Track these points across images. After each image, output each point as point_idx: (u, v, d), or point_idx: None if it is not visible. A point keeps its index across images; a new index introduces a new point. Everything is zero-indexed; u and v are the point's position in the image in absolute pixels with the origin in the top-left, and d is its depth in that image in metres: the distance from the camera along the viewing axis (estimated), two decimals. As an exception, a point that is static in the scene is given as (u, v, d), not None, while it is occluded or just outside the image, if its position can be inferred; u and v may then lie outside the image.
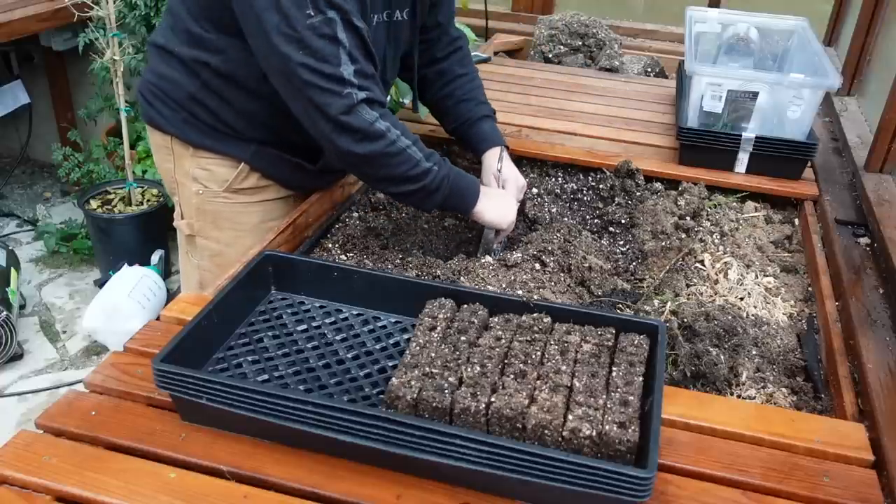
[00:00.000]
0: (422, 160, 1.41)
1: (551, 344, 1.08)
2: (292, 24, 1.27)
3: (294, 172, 1.63)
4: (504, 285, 1.37)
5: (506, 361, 1.05)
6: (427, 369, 1.02)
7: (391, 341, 1.20)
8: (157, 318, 1.28)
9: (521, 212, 1.72)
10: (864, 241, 1.63)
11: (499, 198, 1.55)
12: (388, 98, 2.32)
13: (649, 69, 2.75)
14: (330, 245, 1.57)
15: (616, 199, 1.76)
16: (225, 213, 1.64)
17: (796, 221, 1.79)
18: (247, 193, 1.62)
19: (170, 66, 1.53)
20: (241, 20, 1.35)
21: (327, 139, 1.37)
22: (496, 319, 1.15)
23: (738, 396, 1.23)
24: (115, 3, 2.82)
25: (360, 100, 1.33)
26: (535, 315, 1.14)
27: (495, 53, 2.87)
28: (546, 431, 0.94)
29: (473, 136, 1.71)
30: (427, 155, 1.42)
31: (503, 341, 1.09)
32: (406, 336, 1.20)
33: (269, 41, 1.30)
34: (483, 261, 1.48)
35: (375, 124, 1.35)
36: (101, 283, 3.04)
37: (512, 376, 1.02)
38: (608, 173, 1.84)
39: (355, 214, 1.68)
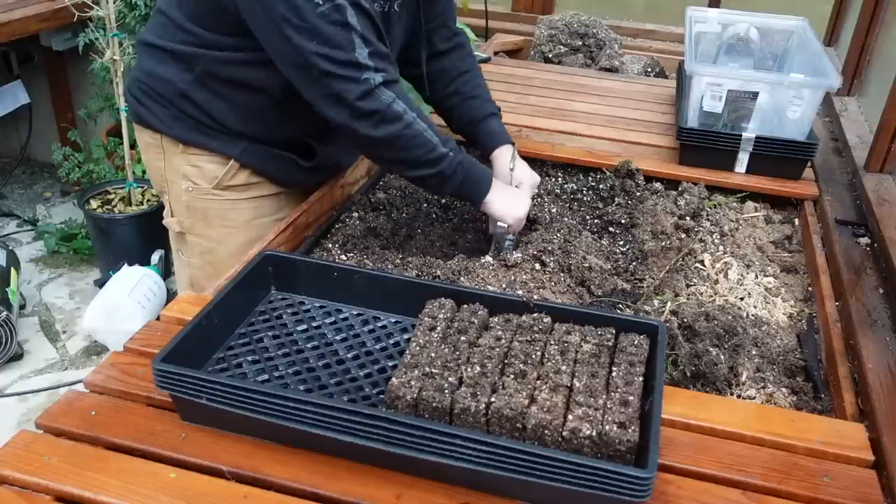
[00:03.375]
0: (438, 144, 1.42)
1: (551, 344, 1.08)
2: (302, 15, 1.28)
3: (284, 169, 1.62)
4: (504, 285, 1.37)
5: (506, 361, 1.05)
6: (427, 369, 1.02)
7: (391, 341, 1.20)
8: (157, 318, 1.28)
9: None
10: (864, 241, 1.63)
11: (511, 193, 1.55)
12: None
13: (649, 69, 2.75)
14: (330, 245, 1.57)
15: (616, 199, 1.76)
16: (215, 211, 1.63)
17: (796, 221, 1.79)
18: (237, 190, 1.62)
19: (161, 63, 1.52)
20: (248, 16, 1.35)
21: (346, 125, 1.37)
22: (496, 319, 1.15)
23: (738, 396, 1.23)
24: (115, 3, 2.82)
25: (378, 83, 1.34)
26: (535, 315, 1.14)
27: (495, 53, 2.87)
28: (546, 431, 0.94)
29: (481, 134, 1.71)
30: (443, 140, 1.43)
31: (503, 341, 1.09)
32: (406, 336, 1.20)
33: (282, 34, 1.30)
34: (483, 261, 1.48)
35: (393, 106, 1.36)
36: (101, 283, 3.04)
37: (512, 376, 1.02)
38: (608, 173, 1.84)
39: (355, 214, 1.68)
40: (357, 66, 1.32)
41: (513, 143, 1.69)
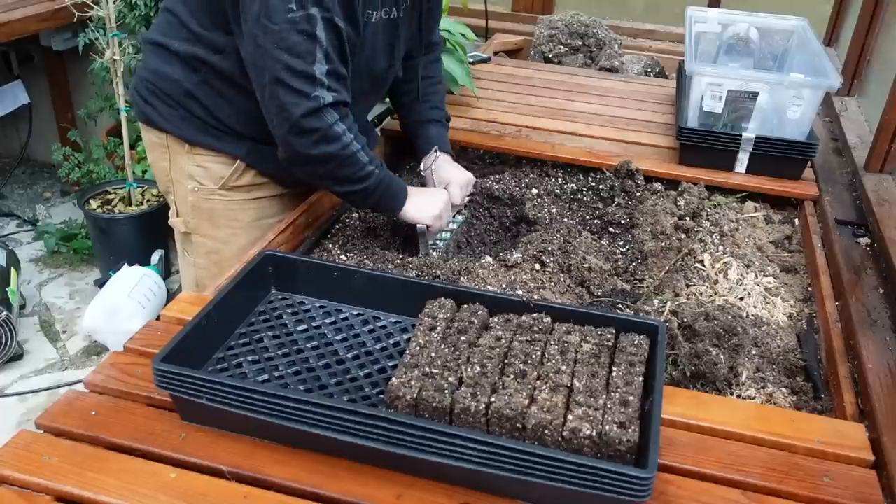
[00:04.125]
0: (367, 163, 1.43)
1: (551, 344, 1.08)
2: (271, 16, 1.28)
3: (289, 170, 1.63)
4: (504, 285, 1.37)
5: (506, 361, 1.05)
6: (427, 369, 1.02)
7: (391, 341, 1.20)
8: (157, 318, 1.28)
9: (522, 213, 1.72)
10: (864, 241, 1.63)
11: (424, 194, 1.57)
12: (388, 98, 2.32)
13: (649, 69, 2.75)
14: (330, 245, 1.57)
15: (616, 199, 1.76)
16: (220, 211, 1.64)
17: (796, 221, 1.79)
18: (242, 191, 1.62)
19: (167, 62, 1.53)
20: (231, 11, 1.36)
21: (282, 138, 1.38)
22: (496, 319, 1.15)
23: (738, 396, 1.23)
24: (115, 3, 2.82)
25: (327, 103, 1.34)
26: (535, 315, 1.14)
27: (495, 53, 2.87)
28: (546, 431, 0.94)
29: (419, 136, 1.75)
30: (371, 158, 1.45)
31: (503, 341, 1.09)
32: (406, 336, 1.20)
33: (250, 32, 1.32)
34: (483, 261, 1.48)
35: (334, 126, 1.37)
36: (101, 283, 3.04)
37: (512, 376, 1.02)
38: (608, 173, 1.84)
39: (355, 214, 1.68)
40: (311, 79, 1.32)
41: (449, 152, 1.72)
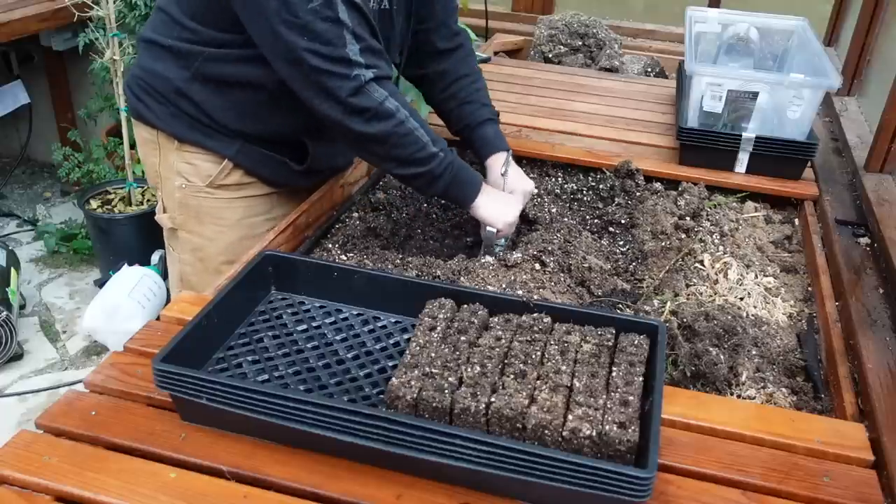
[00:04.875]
0: (429, 143, 1.42)
1: (551, 344, 1.08)
2: (293, 11, 1.28)
3: (278, 170, 1.63)
4: (504, 285, 1.37)
5: (506, 361, 1.05)
6: (427, 369, 1.02)
7: (391, 341, 1.20)
8: (157, 318, 1.28)
9: (522, 213, 1.72)
10: (864, 241, 1.63)
11: (501, 198, 1.56)
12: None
13: (649, 69, 2.75)
14: (330, 245, 1.57)
15: (616, 199, 1.76)
16: (207, 208, 1.64)
17: (796, 221, 1.79)
18: (230, 189, 1.62)
19: (159, 59, 1.53)
20: (241, 11, 1.35)
21: (338, 122, 1.38)
22: (496, 319, 1.15)
23: (738, 396, 1.23)
24: (115, 3, 2.82)
25: (369, 79, 1.34)
26: (535, 315, 1.14)
27: (495, 53, 2.87)
28: (546, 431, 0.94)
29: (476, 140, 1.70)
30: (434, 139, 1.43)
31: (503, 341, 1.09)
32: (406, 336, 1.20)
33: (273, 30, 1.31)
34: (483, 261, 1.48)
35: (385, 103, 1.36)
36: (101, 283, 3.03)
37: (512, 376, 1.02)
38: (608, 173, 1.84)
39: (355, 214, 1.68)
40: (347, 62, 1.33)
41: (508, 150, 1.69)
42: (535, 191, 1.80)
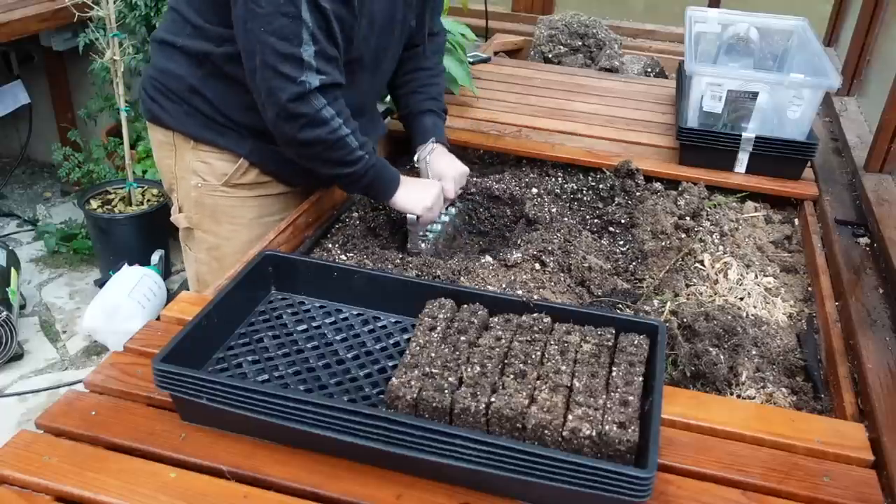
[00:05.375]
0: (357, 148, 1.45)
1: (551, 344, 1.08)
2: (258, 1, 1.30)
3: (292, 168, 1.63)
4: (504, 285, 1.37)
5: (506, 361, 1.05)
6: (427, 369, 1.02)
7: (391, 341, 1.20)
8: (157, 318, 1.28)
9: (522, 213, 1.72)
10: (863, 241, 1.63)
11: (417, 185, 1.58)
12: (389, 98, 2.32)
13: (649, 69, 2.75)
14: (330, 245, 1.57)
15: (616, 199, 1.76)
16: (223, 207, 1.64)
17: (796, 221, 1.79)
18: (245, 188, 1.63)
19: (172, 59, 1.54)
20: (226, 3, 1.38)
21: (272, 121, 1.41)
22: (496, 319, 1.15)
23: (738, 396, 1.23)
24: (115, 3, 2.82)
25: (314, 87, 1.36)
26: (535, 315, 1.14)
27: (495, 53, 2.87)
28: (546, 431, 0.94)
29: (413, 128, 1.75)
30: (362, 143, 1.47)
31: (503, 341, 1.09)
32: (406, 336, 1.20)
33: (240, 16, 1.34)
34: (483, 261, 1.48)
35: (322, 111, 1.39)
36: (101, 283, 3.03)
37: (512, 376, 1.02)
38: (608, 173, 1.84)
39: (355, 214, 1.68)
40: (299, 62, 1.34)
41: (441, 141, 1.71)
42: (535, 190, 1.80)
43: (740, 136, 1.82)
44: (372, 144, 1.51)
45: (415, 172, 1.71)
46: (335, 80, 1.40)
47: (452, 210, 1.69)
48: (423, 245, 1.56)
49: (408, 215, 1.55)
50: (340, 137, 1.42)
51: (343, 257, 1.52)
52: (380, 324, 1.24)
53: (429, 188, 1.58)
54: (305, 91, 1.35)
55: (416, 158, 1.69)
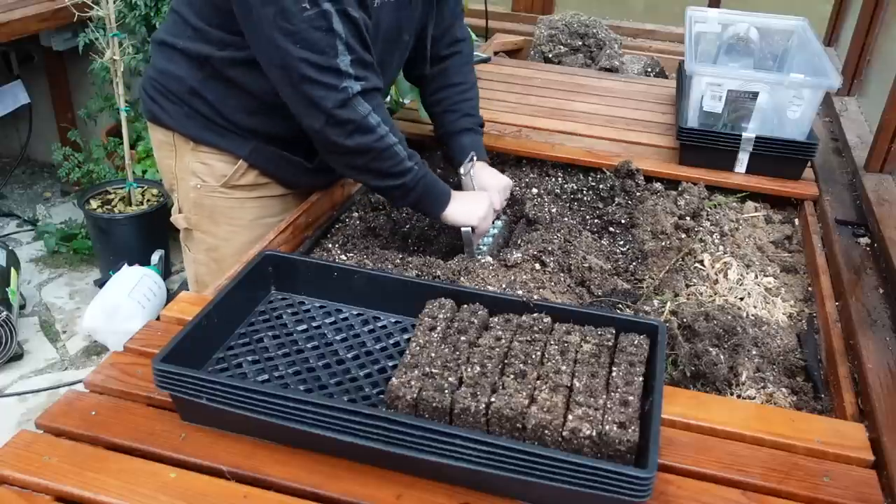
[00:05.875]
0: (405, 159, 1.45)
1: (551, 344, 1.08)
2: (288, 18, 1.29)
3: (292, 170, 1.63)
4: (504, 285, 1.37)
5: (506, 361, 1.05)
6: (427, 369, 1.02)
7: (391, 341, 1.20)
8: (157, 318, 1.28)
9: (522, 213, 1.72)
10: (864, 241, 1.63)
11: (467, 198, 1.58)
12: (389, 97, 2.32)
13: (649, 69, 2.75)
14: (330, 245, 1.57)
15: (616, 199, 1.76)
16: (221, 209, 1.64)
17: (796, 221, 1.79)
18: (244, 189, 1.63)
19: (172, 61, 1.54)
20: (240, 16, 1.37)
21: (319, 132, 1.40)
22: (496, 319, 1.15)
23: (738, 396, 1.23)
24: (115, 3, 2.82)
25: (356, 92, 1.36)
26: (535, 315, 1.14)
27: (495, 53, 2.87)
28: (546, 431, 0.94)
29: (452, 147, 1.75)
30: (410, 154, 1.46)
31: (503, 341, 1.09)
32: (406, 336, 1.20)
33: (266, 35, 1.33)
34: (483, 261, 1.48)
35: (368, 118, 1.38)
36: (101, 283, 3.04)
37: (512, 376, 1.02)
38: (608, 173, 1.84)
39: (355, 214, 1.68)
40: (337, 72, 1.34)
41: (485, 160, 1.72)
42: (535, 190, 1.80)
43: (740, 136, 1.82)
44: (419, 157, 1.49)
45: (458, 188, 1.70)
46: (375, 85, 1.40)
47: (499, 223, 1.68)
48: (480, 259, 1.52)
49: (463, 229, 1.53)
50: (389, 146, 1.41)
51: (343, 257, 1.52)
52: (380, 324, 1.23)
53: (480, 199, 1.57)
54: (349, 96, 1.35)
55: (461, 172, 1.67)
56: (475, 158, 1.68)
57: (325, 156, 1.49)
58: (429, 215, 1.57)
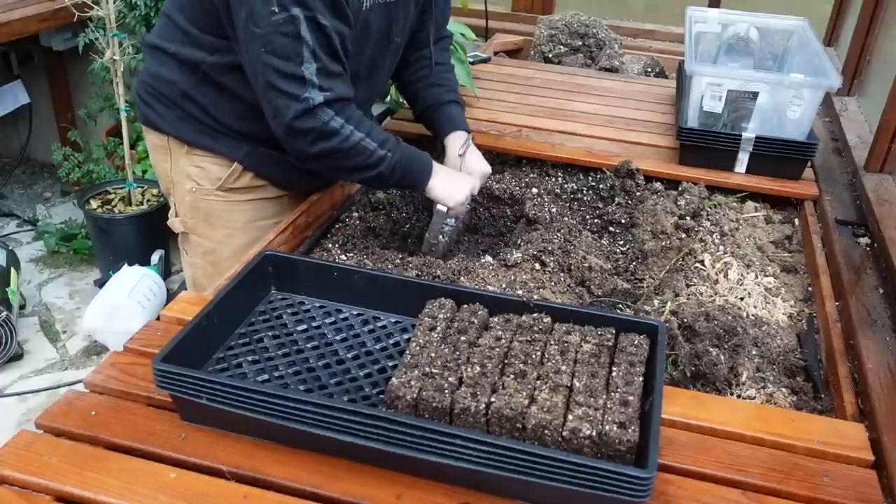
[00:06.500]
0: (376, 149, 1.43)
1: (551, 344, 1.08)
2: (256, 21, 1.30)
3: (287, 173, 1.63)
4: (504, 285, 1.37)
5: (506, 361, 1.05)
6: (427, 369, 1.02)
7: (391, 341, 1.20)
8: (157, 318, 1.28)
9: (522, 213, 1.72)
10: (864, 241, 1.63)
11: (453, 177, 1.57)
12: (389, 98, 2.32)
13: (649, 69, 2.75)
14: (330, 245, 1.57)
15: (616, 199, 1.76)
16: (217, 212, 1.64)
17: (796, 221, 1.79)
18: (239, 192, 1.63)
19: (165, 65, 1.54)
20: (227, 21, 1.38)
21: (283, 139, 1.41)
22: (496, 319, 1.15)
23: (738, 396, 1.23)
24: (115, 3, 2.82)
25: (318, 103, 1.35)
26: (535, 315, 1.14)
27: (495, 53, 2.87)
28: (546, 431, 0.94)
29: (438, 118, 1.73)
30: (381, 142, 1.44)
31: (503, 341, 1.09)
32: (406, 336, 1.20)
33: (241, 38, 1.34)
34: (483, 261, 1.48)
35: (330, 123, 1.37)
36: (101, 283, 3.03)
37: (512, 376, 1.02)
38: (608, 173, 1.84)
39: (355, 214, 1.68)
40: (301, 80, 1.33)
41: (468, 132, 1.70)
42: (535, 190, 1.80)
43: (740, 136, 1.82)
44: (394, 139, 1.48)
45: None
46: (340, 96, 1.39)
47: (466, 206, 1.69)
48: (441, 237, 1.56)
49: (438, 206, 1.54)
50: (355, 143, 1.41)
51: (343, 257, 1.52)
52: (380, 324, 1.23)
53: (464, 184, 1.57)
54: (310, 107, 1.35)
55: (449, 148, 1.66)
56: (471, 141, 1.68)
57: (294, 160, 1.49)
58: (414, 191, 1.58)
